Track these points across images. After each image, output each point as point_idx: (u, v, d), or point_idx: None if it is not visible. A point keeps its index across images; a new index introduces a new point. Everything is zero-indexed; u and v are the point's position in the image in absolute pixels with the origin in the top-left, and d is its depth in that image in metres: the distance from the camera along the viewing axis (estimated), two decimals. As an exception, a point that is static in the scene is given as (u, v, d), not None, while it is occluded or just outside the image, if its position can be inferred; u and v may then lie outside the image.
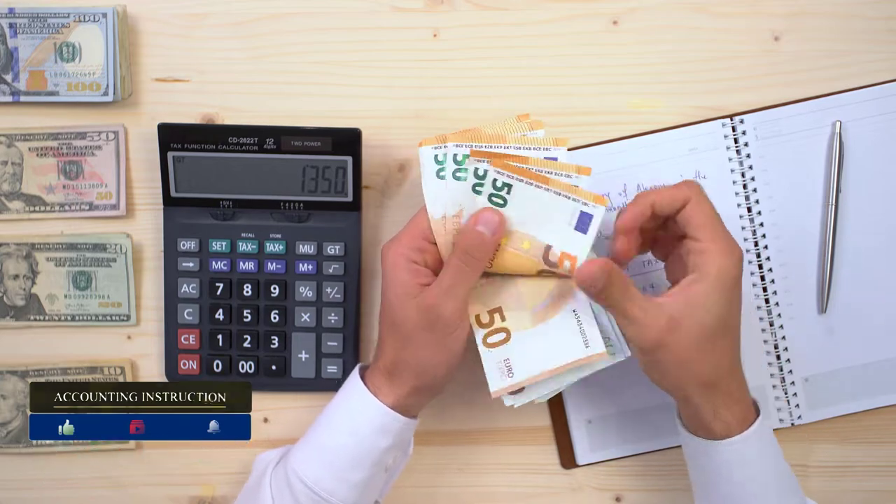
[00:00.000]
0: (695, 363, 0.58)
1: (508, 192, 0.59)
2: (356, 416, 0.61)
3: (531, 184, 0.59)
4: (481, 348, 0.61)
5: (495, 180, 0.59)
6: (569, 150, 0.61)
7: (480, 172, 0.60)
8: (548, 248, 0.60)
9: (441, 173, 0.60)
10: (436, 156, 0.61)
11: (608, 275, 0.57)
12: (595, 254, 0.61)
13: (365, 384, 0.62)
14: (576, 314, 0.61)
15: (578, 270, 0.58)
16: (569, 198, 0.59)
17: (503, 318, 0.61)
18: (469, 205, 0.60)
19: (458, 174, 0.60)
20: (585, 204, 0.59)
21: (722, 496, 0.61)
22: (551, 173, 0.60)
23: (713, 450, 0.60)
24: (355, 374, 0.63)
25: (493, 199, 0.59)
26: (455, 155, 0.60)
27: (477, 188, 0.60)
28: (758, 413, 0.61)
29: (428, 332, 0.59)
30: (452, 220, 0.60)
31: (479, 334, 0.61)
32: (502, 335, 0.61)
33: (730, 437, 0.59)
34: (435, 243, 0.60)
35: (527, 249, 0.60)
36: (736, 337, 0.60)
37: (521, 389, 0.61)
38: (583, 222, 0.59)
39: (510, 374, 0.60)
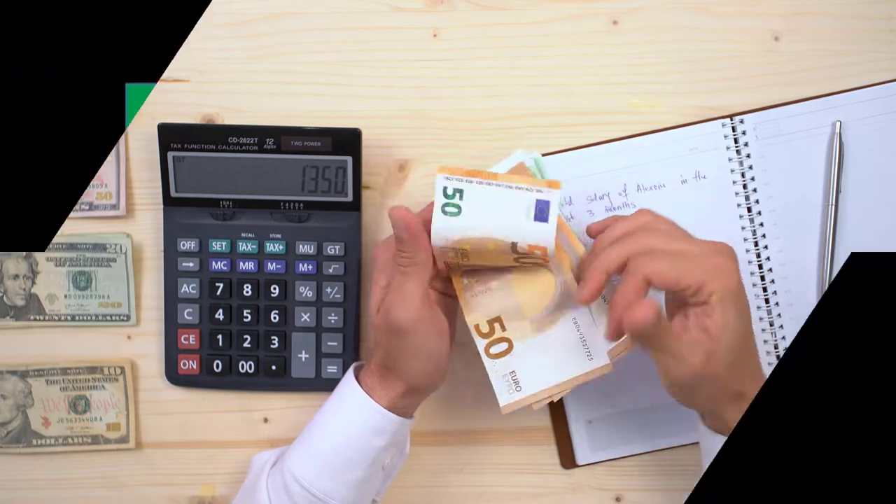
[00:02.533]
0: (724, 380, 0.56)
1: (461, 198, 0.57)
2: (352, 416, 0.61)
3: (481, 183, 0.57)
4: (485, 359, 0.61)
5: (445, 188, 0.57)
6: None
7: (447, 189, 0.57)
8: (513, 244, 0.58)
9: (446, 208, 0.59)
10: (444, 188, 0.58)
11: (661, 316, 0.54)
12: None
13: (360, 384, 0.62)
14: (576, 323, 0.61)
15: (633, 314, 0.53)
16: (521, 188, 0.57)
17: (503, 328, 0.61)
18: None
19: (446, 208, 0.58)
20: (540, 191, 0.57)
21: None
22: (512, 186, 0.57)
23: None
24: (350, 374, 0.63)
25: (448, 209, 0.57)
26: (445, 188, 0.58)
27: (445, 208, 0.57)
28: None
29: (396, 338, 0.59)
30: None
31: (481, 344, 0.61)
32: (504, 345, 0.61)
33: None
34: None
35: (492, 249, 0.58)
36: (753, 335, 0.58)
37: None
38: (541, 211, 0.57)
39: (518, 388, 0.60)
